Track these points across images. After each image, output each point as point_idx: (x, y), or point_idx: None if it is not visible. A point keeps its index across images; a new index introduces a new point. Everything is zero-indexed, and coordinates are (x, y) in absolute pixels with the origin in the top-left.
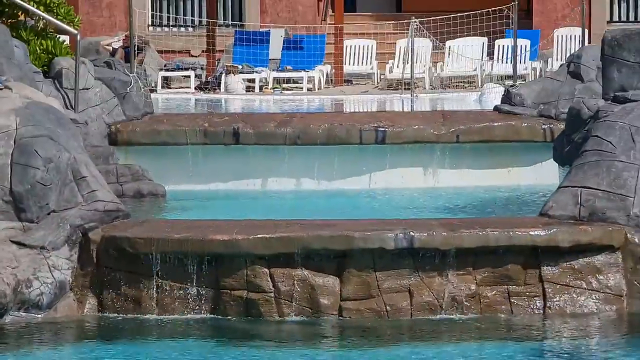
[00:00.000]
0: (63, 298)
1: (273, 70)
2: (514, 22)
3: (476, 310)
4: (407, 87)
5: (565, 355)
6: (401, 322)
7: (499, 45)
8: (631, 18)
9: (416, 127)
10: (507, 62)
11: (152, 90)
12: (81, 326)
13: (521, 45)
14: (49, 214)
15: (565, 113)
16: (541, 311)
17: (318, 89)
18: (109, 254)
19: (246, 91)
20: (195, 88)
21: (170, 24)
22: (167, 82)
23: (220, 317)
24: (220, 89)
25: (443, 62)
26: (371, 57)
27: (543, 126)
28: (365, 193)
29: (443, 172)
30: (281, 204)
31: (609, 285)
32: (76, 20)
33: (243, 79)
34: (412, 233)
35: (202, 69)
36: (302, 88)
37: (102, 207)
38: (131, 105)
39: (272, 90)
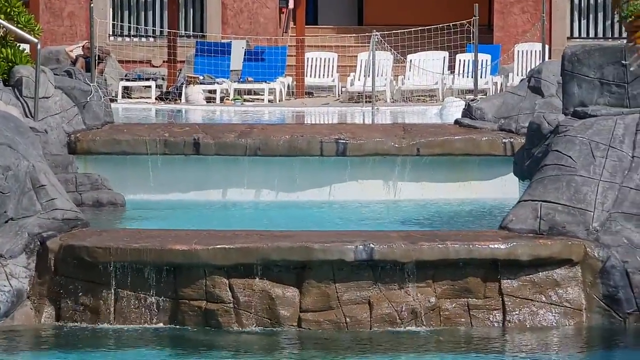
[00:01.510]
0: (20, 306)
1: (234, 81)
2: (475, 36)
3: (436, 322)
4: (368, 100)
5: None
6: (361, 334)
7: (460, 60)
8: (591, 34)
9: (377, 139)
10: (468, 77)
11: (112, 100)
12: (38, 335)
13: (482, 60)
14: (6, 222)
15: (526, 127)
16: (501, 324)
17: (279, 100)
18: (67, 262)
19: (207, 102)
20: (155, 98)
21: (132, 33)
22: (127, 92)
23: (178, 327)
24: (181, 100)
25: (404, 76)
26: (332, 69)
27: (503, 140)
28: (325, 205)
29: (403, 184)
30: (241, 215)
31: (568, 299)
32: (37, 29)
33: (204, 90)
34: (372, 245)
35: (163, 79)
36: (263, 100)
37: (61, 216)
38: (91, 115)
39: (233, 102)
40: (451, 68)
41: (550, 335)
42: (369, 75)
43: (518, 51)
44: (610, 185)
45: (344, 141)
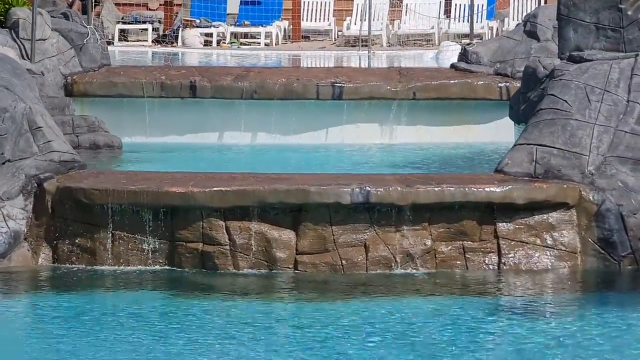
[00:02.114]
0: (17, 248)
1: (231, 25)
2: None
3: (431, 265)
4: (364, 44)
5: (519, 310)
6: (356, 276)
7: (456, 4)
8: None
9: (373, 83)
10: (464, 21)
11: (109, 43)
12: (35, 276)
13: (478, 4)
14: (3, 163)
15: (522, 72)
16: (496, 267)
17: (275, 44)
18: (64, 204)
19: (203, 45)
20: (152, 41)
21: None
22: (124, 35)
23: (175, 269)
24: (177, 43)
25: (400, 20)
26: (329, 13)
27: (499, 84)
28: (321, 148)
29: (399, 128)
30: (237, 158)
31: (564, 242)
32: None
33: (200, 33)
34: (368, 188)
35: (159, 22)
36: (259, 43)
37: (58, 158)
38: (88, 57)
39: (229, 45)
40: (447, 12)
41: (545, 278)
42: (365, 19)
43: None
44: (605, 129)
45: (340, 85)
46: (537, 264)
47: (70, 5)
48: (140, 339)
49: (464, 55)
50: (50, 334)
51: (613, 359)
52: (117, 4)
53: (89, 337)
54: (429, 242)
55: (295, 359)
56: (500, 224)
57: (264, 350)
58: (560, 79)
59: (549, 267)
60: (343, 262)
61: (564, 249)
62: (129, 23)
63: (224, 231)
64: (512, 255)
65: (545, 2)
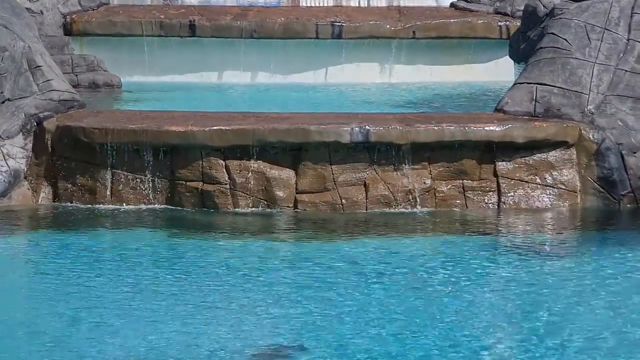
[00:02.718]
0: (17, 187)
1: None
2: None
3: (431, 204)
4: None
5: (519, 249)
6: (356, 215)
7: None
8: None
9: (372, 22)
10: None
11: None
12: (36, 215)
13: None
14: (3, 102)
15: (522, 10)
16: (496, 206)
17: None
18: (63, 143)
19: None
20: None
21: None
22: None
23: (175, 207)
24: None
25: None
26: None
27: (499, 23)
28: (321, 87)
29: (399, 67)
30: (237, 97)
31: (563, 181)
32: None
33: None
34: (367, 127)
35: None
36: None
37: (57, 97)
38: None
39: None
40: None
41: (544, 217)
42: None
43: None
44: (605, 68)
45: (340, 24)
46: (537, 202)
47: None
48: (140, 277)
49: None
50: (50, 272)
51: (612, 297)
52: None
53: (88, 274)
54: (428, 181)
55: (295, 297)
56: (500, 163)
57: (264, 288)
58: (560, 18)
59: (549, 206)
60: (343, 201)
61: (563, 187)
62: None
63: (224, 170)
64: (511, 194)
65: None
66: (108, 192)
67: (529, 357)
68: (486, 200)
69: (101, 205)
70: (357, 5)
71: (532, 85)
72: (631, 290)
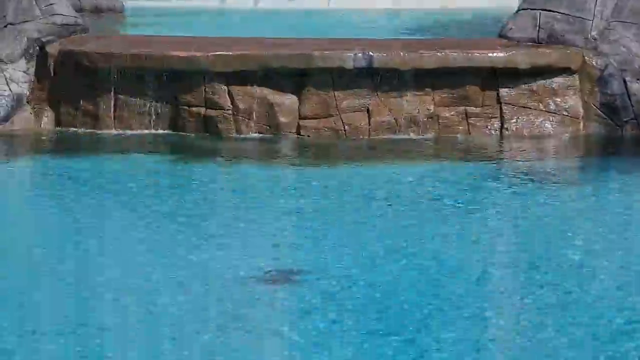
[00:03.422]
0: (20, 111)
1: None
2: None
3: (434, 130)
4: None
5: (522, 175)
6: (359, 141)
7: None
8: None
9: None
10: None
11: None
12: (38, 139)
13: None
14: (5, 26)
15: None
16: (498, 132)
17: None
18: (66, 68)
19: None
20: None
21: None
22: None
23: (178, 133)
24: None
25: None
26: None
27: None
28: (324, 12)
29: None
30: (240, 22)
31: (566, 107)
32: None
33: None
34: (371, 53)
35: None
36: None
37: (60, 21)
38: None
39: None
40: None
41: (547, 143)
42: None
43: None
44: None
45: None
46: (540, 129)
47: None
48: (142, 202)
49: None
50: (52, 197)
51: (613, 224)
52: None
53: (90, 199)
54: (431, 108)
55: (297, 223)
56: (503, 89)
57: (267, 214)
58: None
59: (551, 133)
60: (346, 127)
61: (566, 114)
62: None
63: (227, 96)
64: (514, 120)
65: None
66: (111, 118)
67: (529, 281)
68: (489, 127)
69: (104, 131)
70: None
71: (536, 11)
72: (632, 216)
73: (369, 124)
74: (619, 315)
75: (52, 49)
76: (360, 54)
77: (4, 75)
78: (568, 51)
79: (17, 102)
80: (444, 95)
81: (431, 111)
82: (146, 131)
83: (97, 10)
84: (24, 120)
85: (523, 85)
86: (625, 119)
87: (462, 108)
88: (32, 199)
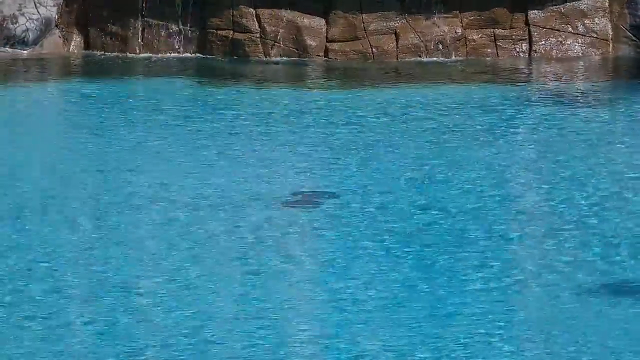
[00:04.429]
0: (49, 35)
1: None
2: None
3: (462, 53)
4: None
5: (550, 97)
6: (387, 64)
7: None
8: None
9: None
10: None
11: None
12: (67, 63)
13: None
14: None
15: None
16: (527, 54)
17: None
18: None
19: None
20: None
21: None
22: None
23: (206, 56)
24: None
25: None
26: None
27: None
28: None
29: None
30: None
31: (595, 29)
32: None
33: None
34: None
35: None
36: None
37: None
38: None
39: None
40: None
41: (576, 65)
42: None
43: None
44: None
45: None
46: (568, 51)
47: None
48: (171, 123)
49: None
50: (82, 118)
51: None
52: None
53: (120, 122)
54: (459, 30)
55: (326, 145)
56: (531, 11)
57: (295, 136)
58: None
59: (580, 55)
60: (373, 49)
61: (595, 36)
62: None
63: (254, 19)
64: (543, 42)
65: None
66: (139, 41)
67: (558, 198)
68: (517, 49)
69: (132, 54)
70: None
71: None
72: None
73: (397, 47)
74: None
75: None
76: None
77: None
78: None
79: (46, 26)
80: (472, 18)
81: (459, 34)
82: (174, 54)
83: None
84: (53, 43)
85: (552, 7)
86: None
87: (490, 30)
88: (61, 121)
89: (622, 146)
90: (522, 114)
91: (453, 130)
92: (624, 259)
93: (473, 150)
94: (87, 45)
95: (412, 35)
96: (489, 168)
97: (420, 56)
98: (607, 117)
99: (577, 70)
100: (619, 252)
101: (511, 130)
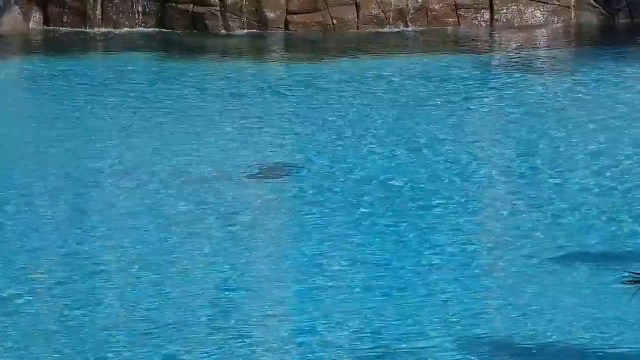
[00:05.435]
0: (8, 11)
1: None
2: None
3: (423, 23)
4: None
5: (513, 65)
6: (348, 35)
7: None
8: None
9: None
10: None
11: None
12: (28, 39)
13: None
14: None
15: None
16: (488, 23)
17: None
18: None
19: None
20: None
21: None
22: None
23: (166, 30)
24: None
25: None
26: None
27: None
28: None
29: None
30: None
31: None
32: None
33: None
34: None
35: None
36: None
37: None
38: None
39: None
40: None
41: (538, 33)
42: None
43: None
44: None
45: None
46: (530, 19)
47: None
48: (131, 99)
49: None
50: (43, 94)
51: (605, 109)
52: None
53: (82, 97)
54: (420, 0)
55: (289, 117)
56: None
57: (259, 109)
58: None
59: (542, 22)
60: (334, 21)
61: (557, 3)
62: None
63: None
64: (504, 11)
65: None
66: (99, 16)
67: (517, 165)
68: (479, 18)
69: (93, 29)
70: None
71: None
72: (624, 101)
73: (358, 18)
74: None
75: None
76: None
77: None
78: None
79: (5, 2)
80: None
81: (420, 3)
82: (134, 29)
83: None
84: (12, 20)
85: None
86: (617, 7)
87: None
88: (22, 97)
89: (587, 111)
90: (483, 82)
91: (410, 101)
92: (577, 223)
93: (434, 116)
94: (47, 21)
95: (373, 6)
96: (454, 137)
97: (381, 27)
98: (571, 83)
99: (538, 39)
100: (573, 218)
101: (471, 98)
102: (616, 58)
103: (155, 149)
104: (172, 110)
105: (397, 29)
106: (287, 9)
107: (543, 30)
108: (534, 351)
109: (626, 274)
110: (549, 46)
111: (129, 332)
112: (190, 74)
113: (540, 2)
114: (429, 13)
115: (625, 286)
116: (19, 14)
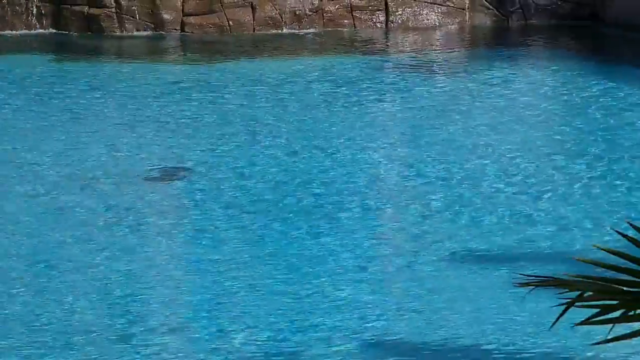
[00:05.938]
0: None
1: None
2: None
3: (319, 24)
4: None
5: (408, 67)
6: (244, 36)
7: None
8: None
9: None
10: None
11: None
12: None
13: None
14: None
15: None
16: (384, 25)
17: None
18: None
19: None
20: None
21: None
22: None
23: (61, 32)
24: None
25: None
26: None
27: None
28: None
29: None
30: None
31: None
32: None
33: None
34: None
35: None
36: None
37: None
38: None
39: None
40: None
41: (433, 35)
42: None
43: None
44: None
45: None
46: (425, 21)
47: None
48: (25, 104)
49: None
50: None
51: (502, 110)
52: None
53: None
54: (316, 2)
55: (185, 119)
56: None
57: (154, 111)
58: None
59: (437, 24)
60: (230, 22)
61: (452, 5)
62: None
63: None
64: (399, 12)
65: None
66: None
67: (420, 167)
68: (374, 20)
69: None
70: None
71: None
72: (522, 100)
73: (254, 20)
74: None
75: None
76: None
77: None
78: None
79: None
80: None
81: (316, 5)
82: (27, 31)
83: None
84: None
85: None
86: (511, 9)
87: (346, 1)
88: None
89: (481, 111)
90: (379, 84)
91: (311, 100)
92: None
93: (326, 116)
94: None
95: (269, 8)
96: (336, 138)
97: (277, 28)
98: (466, 85)
99: (434, 41)
100: (458, 216)
101: (368, 98)
102: (509, 58)
103: (48, 150)
104: (67, 112)
105: (293, 31)
106: (182, 11)
107: (437, 32)
108: (425, 352)
109: (518, 276)
110: (442, 48)
111: None
112: (84, 76)
113: (435, 4)
114: (324, 15)
115: (517, 288)
116: None
